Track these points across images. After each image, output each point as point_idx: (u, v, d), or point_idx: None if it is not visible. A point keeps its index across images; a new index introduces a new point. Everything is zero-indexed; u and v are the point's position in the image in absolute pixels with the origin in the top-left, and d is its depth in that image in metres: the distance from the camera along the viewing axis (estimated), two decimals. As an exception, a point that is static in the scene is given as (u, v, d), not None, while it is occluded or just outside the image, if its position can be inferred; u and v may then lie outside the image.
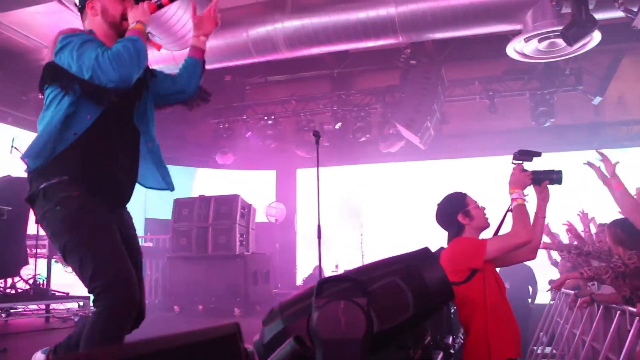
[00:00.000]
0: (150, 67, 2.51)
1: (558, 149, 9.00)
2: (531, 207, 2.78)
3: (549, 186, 2.84)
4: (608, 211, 4.09)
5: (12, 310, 5.88)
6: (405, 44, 7.54)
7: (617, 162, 3.35)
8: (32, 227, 6.26)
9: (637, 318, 3.47)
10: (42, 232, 6.52)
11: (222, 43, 7.30)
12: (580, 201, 6.11)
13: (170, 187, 2.57)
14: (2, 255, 4.90)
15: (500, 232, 2.84)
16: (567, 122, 9.58)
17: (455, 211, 2.80)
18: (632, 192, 3.49)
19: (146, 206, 9.59)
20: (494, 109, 9.31)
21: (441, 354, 2.15)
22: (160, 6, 2.42)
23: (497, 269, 2.81)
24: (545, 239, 5.12)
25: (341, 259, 9.78)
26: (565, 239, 5.80)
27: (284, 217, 10.73)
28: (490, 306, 2.61)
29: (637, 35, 6.21)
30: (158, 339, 0.76)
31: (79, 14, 2.46)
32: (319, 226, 5.34)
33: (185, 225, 7.85)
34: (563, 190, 2.91)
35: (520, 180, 2.77)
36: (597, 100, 9.08)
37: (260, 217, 9.50)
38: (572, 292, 5.43)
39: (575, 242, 5.07)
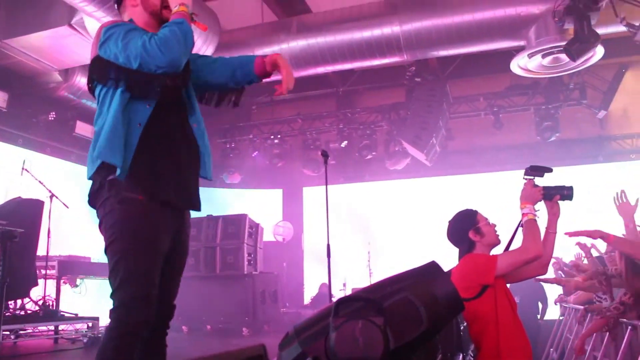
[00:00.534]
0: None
1: (564, 163, 9.01)
2: (542, 222, 2.79)
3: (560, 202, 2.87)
4: (615, 227, 4.10)
5: (21, 332, 5.88)
6: (409, 61, 7.60)
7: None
8: (42, 248, 6.30)
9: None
10: (52, 253, 6.57)
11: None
12: (586, 218, 6.11)
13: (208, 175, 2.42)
14: (13, 277, 4.92)
15: (511, 248, 2.85)
16: (572, 136, 9.60)
17: (466, 228, 2.82)
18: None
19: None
20: (499, 124, 9.34)
21: (453, 371, 2.15)
22: None
23: (507, 285, 2.82)
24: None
25: (349, 277, 9.76)
26: (569, 255, 5.77)
27: (291, 236, 10.73)
28: (502, 322, 2.61)
29: (640, 49, 6.25)
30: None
31: (116, 7, 2.42)
32: (328, 246, 5.29)
33: (194, 245, 7.83)
34: (569, 204, 2.93)
35: (531, 195, 2.80)
36: (602, 114, 9.10)
37: (267, 235, 9.51)
38: (581, 307, 5.38)
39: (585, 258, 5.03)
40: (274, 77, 2.53)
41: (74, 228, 7.74)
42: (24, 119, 8.22)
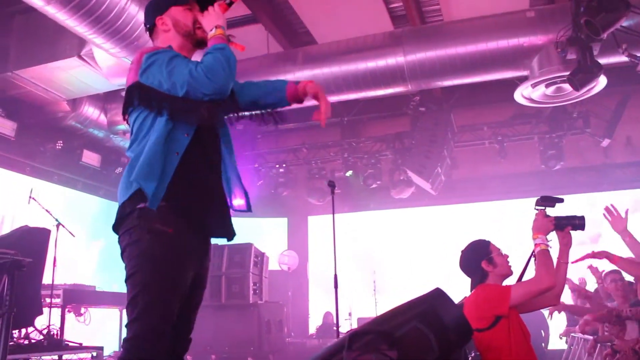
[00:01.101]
0: None
1: (568, 191, 8.99)
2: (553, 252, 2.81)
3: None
4: (621, 252, 4.10)
5: (25, 362, 5.84)
6: (414, 91, 7.68)
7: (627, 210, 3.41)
8: (47, 277, 6.28)
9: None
10: (57, 282, 6.56)
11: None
12: (593, 244, 6.10)
13: (249, 208, 2.47)
14: (18, 306, 4.90)
15: (524, 278, 2.85)
16: (576, 165, 9.61)
17: (479, 258, 2.82)
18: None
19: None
20: (504, 153, 9.36)
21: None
22: (230, 4, 2.29)
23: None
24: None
25: (354, 306, 9.69)
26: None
27: (297, 264, 10.69)
28: (515, 353, 2.60)
29: (643, 78, 6.30)
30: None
31: (148, 34, 2.42)
32: (335, 276, 5.24)
33: (199, 273, 7.83)
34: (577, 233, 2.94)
35: (543, 225, 2.81)
36: (606, 142, 9.12)
37: (272, 264, 9.48)
38: (590, 337, 5.31)
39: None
40: (306, 103, 2.52)
41: (79, 256, 7.74)
42: (32, 148, 8.30)
